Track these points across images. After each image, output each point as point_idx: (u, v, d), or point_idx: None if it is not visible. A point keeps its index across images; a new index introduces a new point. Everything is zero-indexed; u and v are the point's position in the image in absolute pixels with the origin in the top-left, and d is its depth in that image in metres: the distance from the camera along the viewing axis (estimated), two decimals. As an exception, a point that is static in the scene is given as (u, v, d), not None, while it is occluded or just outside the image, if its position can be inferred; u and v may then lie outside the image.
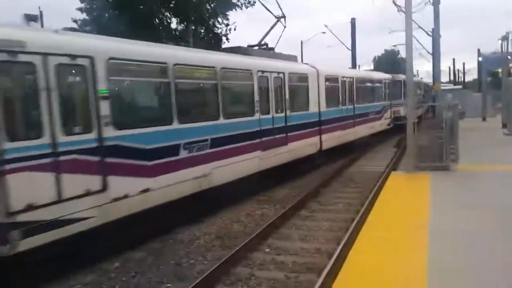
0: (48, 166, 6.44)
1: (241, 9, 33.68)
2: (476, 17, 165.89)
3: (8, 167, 5.92)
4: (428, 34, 33.59)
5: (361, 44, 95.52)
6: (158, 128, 8.51)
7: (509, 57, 28.97)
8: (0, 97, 6.00)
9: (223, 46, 33.07)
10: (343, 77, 18.70)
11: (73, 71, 7.24)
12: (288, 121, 13.65)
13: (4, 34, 6.12)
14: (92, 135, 7.17)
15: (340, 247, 7.44)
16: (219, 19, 34.50)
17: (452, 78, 78.67)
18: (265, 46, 15.26)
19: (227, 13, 34.14)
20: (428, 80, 48.41)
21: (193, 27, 31.62)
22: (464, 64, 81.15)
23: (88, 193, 7.00)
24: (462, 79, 78.86)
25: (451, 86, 53.47)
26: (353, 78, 19.87)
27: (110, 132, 7.42)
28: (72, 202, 6.73)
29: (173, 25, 31.31)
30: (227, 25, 35.02)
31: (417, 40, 40.74)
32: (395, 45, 64.62)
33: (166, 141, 8.70)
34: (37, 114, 6.41)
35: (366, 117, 21.36)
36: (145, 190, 8.13)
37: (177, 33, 31.38)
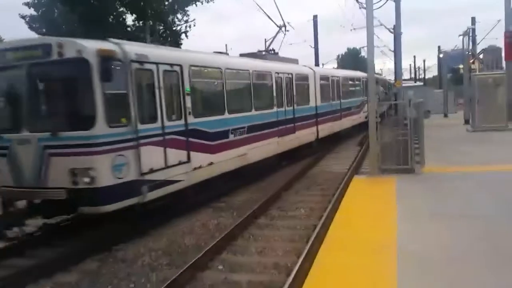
0: (160, 143, 9.03)
1: (202, 3, 32.75)
2: (436, 15, 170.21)
3: (141, 141, 8.45)
4: (390, 31, 33.48)
5: (325, 42, 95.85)
6: (216, 117, 11.42)
7: (468, 52, 29.15)
8: (136, 93, 8.43)
9: (183, 42, 32.16)
10: (333, 76, 22.13)
11: (171, 75, 9.75)
12: (296, 114, 16.50)
13: (140, 50, 8.89)
14: (182, 122, 9.89)
15: (300, 260, 6.65)
16: (179, 16, 33.45)
17: (413, 75, 79.98)
18: (272, 51, 18.63)
19: (186, 8, 33.15)
20: (391, 77, 48.75)
21: (150, 23, 30.42)
22: (424, 61, 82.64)
23: (180, 163, 9.66)
24: (423, 76, 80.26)
25: (412, 83, 54.11)
26: (340, 77, 23.28)
27: (191, 119, 10.16)
28: (172, 168, 9.35)
29: (129, 21, 30.05)
30: (186, 21, 33.99)
31: (378, 37, 40.76)
32: (360, 48, 65.23)
33: (221, 127, 11.62)
34: (154, 105, 9.02)
35: (349, 111, 24.41)
36: (210, 163, 10.96)
37: (132, 29, 30.11)
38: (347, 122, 23.65)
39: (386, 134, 14.76)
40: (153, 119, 8.94)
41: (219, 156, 11.27)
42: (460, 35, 26.89)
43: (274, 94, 14.84)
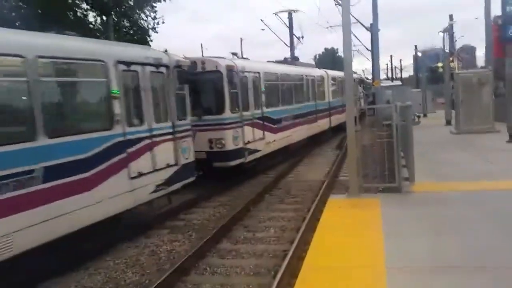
0: (251, 125, 13.59)
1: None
2: (412, 14, 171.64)
3: (244, 123, 13.15)
4: (367, 29, 32.38)
5: (307, 43, 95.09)
6: (276, 108, 15.76)
7: (446, 51, 28.30)
8: (241, 92, 13.27)
9: (151, 40, 30.42)
10: (339, 77, 26.46)
11: (256, 79, 14.52)
12: (317, 107, 21.21)
13: (242, 64, 13.93)
14: (259, 111, 14.34)
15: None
16: (146, 11, 31.77)
17: (390, 75, 79.65)
18: (296, 58, 25.63)
19: (154, 5, 31.51)
20: (368, 77, 47.86)
21: (115, 19, 28.66)
22: (401, 60, 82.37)
23: (260, 139, 14.08)
24: (400, 75, 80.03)
25: (390, 83, 53.38)
26: (342, 78, 27.87)
27: (265, 109, 14.69)
28: (257, 142, 13.88)
29: (91, 18, 28.20)
30: (154, 18, 32.29)
31: (356, 37, 39.71)
32: (337, 48, 64.39)
33: (279, 115, 15.93)
34: (247, 99, 13.70)
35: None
36: (274, 140, 15.30)
37: (96, 26, 28.27)
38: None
39: (366, 136, 13.45)
40: (247, 109, 13.63)
41: (278, 136, 15.79)
42: (440, 32, 25.97)
43: (305, 92, 19.78)
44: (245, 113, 13.23)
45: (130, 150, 8.21)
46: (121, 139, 7.99)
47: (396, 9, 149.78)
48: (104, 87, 7.81)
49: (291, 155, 17.49)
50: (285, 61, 21.49)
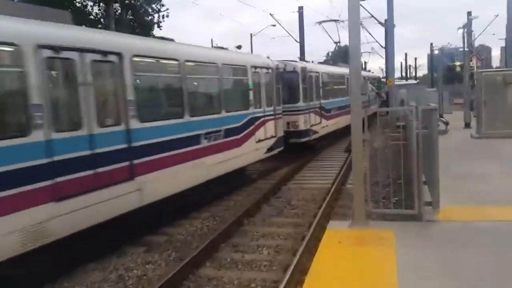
0: (313, 112, 17.72)
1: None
2: (427, 12, 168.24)
3: (310, 110, 17.48)
4: (381, 24, 30.84)
5: (314, 38, 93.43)
6: (328, 100, 20.05)
7: (466, 49, 26.60)
8: (309, 87, 17.53)
9: (155, 33, 29.24)
10: (365, 76, 29.27)
11: (317, 77, 18.92)
12: (347, 102, 22.43)
13: (309, 65, 19.04)
14: (318, 102, 18.48)
15: None
16: (154, 6, 30.78)
17: (404, 73, 77.71)
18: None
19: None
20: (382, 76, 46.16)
21: (118, 11, 27.59)
22: (416, 59, 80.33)
23: (318, 123, 18.28)
24: (414, 74, 78.03)
25: (404, 82, 51.65)
26: (368, 76, 30.64)
27: (322, 101, 18.89)
28: (316, 125, 18.05)
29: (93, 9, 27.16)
30: (158, 11, 31.18)
31: (369, 33, 38.10)
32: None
33: (330, 106, 20.25)
34: (311, 93, 17.78)
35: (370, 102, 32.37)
36: (327, 125, 19.59)
37: (96, 17, 27.19)
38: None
39: (377, 137, 12.03)
40: (311, 100, 17.56)
41: (330, 122, 20.09)
42: (459, 28, 24.28)
43: (346, 88, 23.12)
44: (310, 103, 17.54)
45: (255, 123, 12.61)
46: (252, 116, 12.42)
47: (410, 7, 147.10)
48: (245, 82, 12.38)
49: (299, 157, 16.18)
50: (326, 62, 27.22)
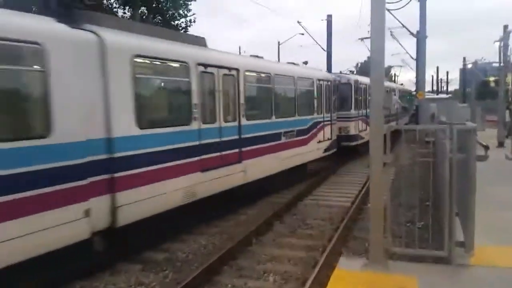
0: (359, 120, 19.52)
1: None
2: (459, 25, 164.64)
3: (358, 118, 19.51)
4: (413, 35, 29.70)
5: (344, 48, 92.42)
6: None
7: (501, 64, 25.25)
8: (358, 96, 19.64)
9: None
10: (399, 89, 32.66)
11: (366, 89, 20.44)
12: (390, 111, 26.36)
13: (359, 78, 20.44)
14: (365, 111, 20.01)
15: None
16: (181, 11, 30.56)
17: (435, 87, 75.63)
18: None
19: (188, 2, 30.27)
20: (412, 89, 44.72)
21: (144, 14, 27.43)
22: (447, 73, 78.06)
23: (364, 130, 19.69)
24: (446, 88, 75.91)
25: (435, 96, 49.98)
26: (394, 88, 31.76)
27: (368, 110, 18.70)
28: (363, 132, 19.63)
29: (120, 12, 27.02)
30: (185, 16, 30.93)
31: (400, 44, 36.95)
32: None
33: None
34: (360, 103, 19.81)
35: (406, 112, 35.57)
36: (363, 130, 20.09)
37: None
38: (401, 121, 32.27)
39: (402, 153, 11.09)
40: (359, 109, 19.28)
41: (357, 125, 19.92)
42: (495, 41, 22.99)
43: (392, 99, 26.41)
44: (359, 111, 19.44)
45: (317, 127, 14.83)
46: (315, 121, 14.64)
47: (442, 19, 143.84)
48: (312, 92, 14.60)
49: (318, 171, 15.36)
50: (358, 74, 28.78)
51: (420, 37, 28.05)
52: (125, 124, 7.03)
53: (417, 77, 29.85)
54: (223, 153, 9.55)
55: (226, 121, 9.74)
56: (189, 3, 29.79)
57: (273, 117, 11.85)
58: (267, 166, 11.51)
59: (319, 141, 15.00)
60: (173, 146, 8.08)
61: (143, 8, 26.96)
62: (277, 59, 38.77)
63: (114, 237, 6.92)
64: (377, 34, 4.28)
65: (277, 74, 12.34)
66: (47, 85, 5.74)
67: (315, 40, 33.70)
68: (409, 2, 26.64)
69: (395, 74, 56.87)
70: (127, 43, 7.26)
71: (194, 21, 30.35)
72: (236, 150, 10.04)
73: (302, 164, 14.01)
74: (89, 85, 6.45)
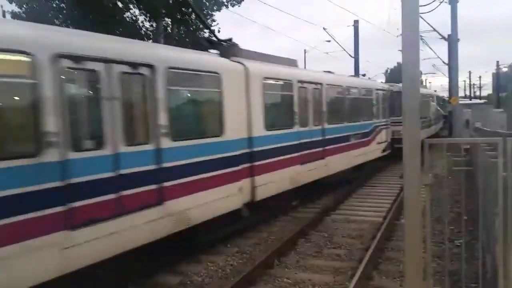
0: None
1: (227, 7, 29.44)
2: (490, 30, 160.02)
3: (388, 125, 19.14)
4: (444, 39, 28.54)
5: (373, 56, 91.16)
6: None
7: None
8: (390, 104, 19.14)
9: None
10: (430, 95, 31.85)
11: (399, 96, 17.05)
12: (431, 116, 28.63)
13: (393, 87, 21.05)
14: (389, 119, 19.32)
15: None
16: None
17: (467, 92, 73.22)
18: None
19: (212, 13, 29.95)
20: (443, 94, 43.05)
21: (168, 26, 27.26)
22: (480, 77, 75.51)
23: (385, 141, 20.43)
24: (479, 93, 73.39)
25: (468, 101, 48.10)
26: (433, 95, 33.08)
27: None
28: (383, 143, 18.65)
29: (142, 23, 26.91)
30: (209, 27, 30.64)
31: (430, 48, 35.67)
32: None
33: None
34: (387, 111, 18.63)
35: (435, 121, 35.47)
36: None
37: (147, 31, 26.93)
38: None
39: (438, 161, 10.16)
40: (386, 116, 18.45)
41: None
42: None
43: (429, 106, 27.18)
44: (389, 119, 19.45)
45: (376, 130, 16.79)
46: (375, 125, 16.64)
47: (473, 24, 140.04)
48: (371, 100, 16.66)
49: (347, 182, 14.54)
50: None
51: (452, 41, 26.94)
52: (258, 127, 9.46)
53: (450, 81, 28.62)
54: (313, 150, 11.75)
55: (314, 125, 11.99)
56: (214, 13, 29.56)
57: (345, 122, 14.05)
58: (342, 162, 13.70)
59: (378, 143, 17.23)
60: (284, 144, 10.46)
61: (167, 19, 26.79)
62: (304, 67, 38.10)
63: (254, 208, 9.38)
64: (411, 27, 3.53)
65: (348, 86, 14.74)
66: (221, 101, 8.32)
67: (341, 47, 32.85)
68: (439, 5, 25.58)
69: (426, 80, 55.23)
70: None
71: (219, 31, 30.08)
72: (321, 149, 12.22)
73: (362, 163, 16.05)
74: (240, 100, 8.99)
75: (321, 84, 12.48)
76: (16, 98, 5.25)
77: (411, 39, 3.62)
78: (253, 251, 8.46)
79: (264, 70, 10.03)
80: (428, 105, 27.15)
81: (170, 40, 25.43)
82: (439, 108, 31.73)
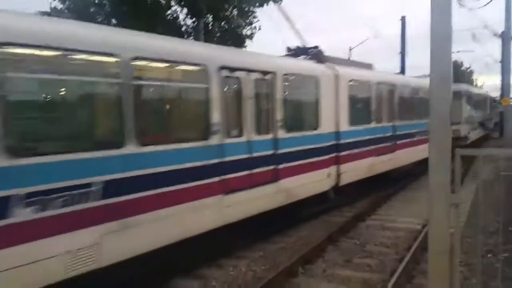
0: (469, 123, 24.53)
1: (267, 4, 29.03)
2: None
3: (467, 121, 23.41)
4: (497, 35, 26.87)
5: (421, 53, 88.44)
6: (474, 114, 26.55)
7: None
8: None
9: (247, 48, 28.35)
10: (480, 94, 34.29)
11: (470, 96, 25.34)
12: (482, 117, 31.35)
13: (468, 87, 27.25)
14: (471, 115, 25.31)
15: None
16: (245, 20, 30.10)
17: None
18: None
19: (253, 9, 29.62)
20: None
21: (210, 23, 27.16)
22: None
23: (469, 133, 23.96)
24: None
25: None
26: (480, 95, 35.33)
27: (473, 114, 26.62)
28: (470, 133, 23.98)
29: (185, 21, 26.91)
30: (250, 23, 30.38)
31: (482, 45, 33.72)
32: (461, 62, 57.31)
33: (474, 119, 26.61)
34: None
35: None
36: (473, 134, 25.16)
37: (187, 29, 26.91)
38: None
39: (485, 166, 9.38)
40: (466, 114, 22.04)
41: (474, 132, 24.81)
42: None
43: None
44: (467, 116, 21.85)
45: None
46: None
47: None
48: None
49: (386, 184, 13.79)
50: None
51: (505, 38, 25.31)
52: (344, 123, 10.93)
53: (502, 81, 26.95)
54: (386, 144, 13.10)
55: (387, 122, 13.29)
56: (255, 10, 29.22)
57: (415, 120, 15.10)
58: (409, 156, 14.76)
59: None
60: (364, 138, 11.88)
61: (209, 16, 26.65)
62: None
63: (338, 192, 11.03)
64: (440, 14, 2.98)
65: (415, 86, 15.99)
66: (318, 100, 10.04)
67: (387, 43, 31.65)
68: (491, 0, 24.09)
69: (475, 78, 52.66)
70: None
71: (260, 29, 29.70)
72: (393, 143, 13.50)
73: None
74: (331, 99, 10.51)
75: (394, 85, 13.96)
76: (197, 98, 7.25)
77: (440, 28, 3.06)
78: (278, 257, 8.02)
79: (350, 73, 11.63)
80: (460, 107, 25.46)
81: (210, 37, 25.34)
82: (474, 112, 28.93)
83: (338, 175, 10.73)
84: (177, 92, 7.17)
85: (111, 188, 5.40)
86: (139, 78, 6.02)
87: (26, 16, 5.40)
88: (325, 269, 7.46)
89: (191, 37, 25.56)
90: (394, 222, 10.45)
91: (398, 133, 13.90)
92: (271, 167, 8.35)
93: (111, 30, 7.77)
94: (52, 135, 5.28)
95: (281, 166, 8.58)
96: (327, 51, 12.67)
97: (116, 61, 5.63)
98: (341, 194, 11.21)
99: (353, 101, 11.56)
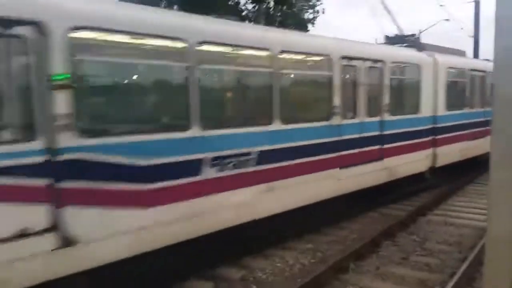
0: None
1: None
2: None
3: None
4: None
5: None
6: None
7: None
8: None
9: (308, 30, 27.70)
10: None
11: None
12: None
13: None
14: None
15: None
16: (308, 2, 29.49)
17: None
18: None
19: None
20: None
21: (271, 7, 26.80)
22: None
23: None
24: None
25: None
26: None
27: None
28: None
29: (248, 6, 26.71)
30: (313, 6, 29.59)
31: None
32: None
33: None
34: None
35: None
36: None
37: (248, 14, 26.69)
38: None
39: None
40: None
41: None
42: None
43: None
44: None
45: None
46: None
47: None
48: None
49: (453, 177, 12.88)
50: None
51: None
52: (441, 107, 11.52)
53: None
54: (477, 129, 13.34)
55: (479, 107, 13.63)
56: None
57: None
58: (482, 146, 13.66)
59: None
60: (458, 122, 12.42)
61: (270, 1, 26.24)
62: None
63: (436, 173, 11.68)
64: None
65: (489, 72, 15.63)
66: (419, 86, 10.72)
67: (460, 26, 29.60)
68: None
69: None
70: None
71: (323, 12, 28.87)
72: (483, 129, 13.32)
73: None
74: (430, 85, 11.06)
75: (485, 71, 13.82)
76: (323, 84, 8.21)
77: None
78: (329, 250, 7.63)
79: (447, 61, 12.05)
80: None
81: (272, 22, 24.94)
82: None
83: (435, 156, 11.39)
84: (310, 80, 8.53)
85: (262, 157, 6.72)
86: (284, 68, 7.36)
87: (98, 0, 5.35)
88: (379, 266, 6.98)
89: (251, 22, 25.31)
90: (458, 218, 9.65)
91: (488, 118, 13.54)
92: (378, 146, 9.30)
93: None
94: (226, 114, 7.11)
95: (386, 146, 9.51)
96: (393, 34, 13.23)
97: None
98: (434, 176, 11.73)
99: (450, 87, 12.03)
